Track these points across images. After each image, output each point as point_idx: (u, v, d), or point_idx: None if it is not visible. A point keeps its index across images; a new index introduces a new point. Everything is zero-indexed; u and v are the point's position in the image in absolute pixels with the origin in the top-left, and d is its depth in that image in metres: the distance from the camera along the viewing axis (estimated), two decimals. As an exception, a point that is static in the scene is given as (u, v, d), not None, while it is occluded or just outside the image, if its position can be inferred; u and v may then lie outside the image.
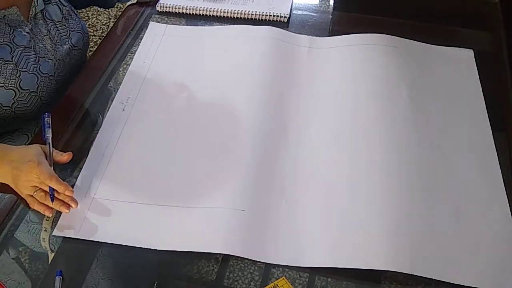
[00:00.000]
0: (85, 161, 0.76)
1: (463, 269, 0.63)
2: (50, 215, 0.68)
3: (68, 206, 0.68)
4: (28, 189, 0.68)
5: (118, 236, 0.67)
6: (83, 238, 0.67)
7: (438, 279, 0.62)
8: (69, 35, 0.92)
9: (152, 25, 1.02)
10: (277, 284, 0.63)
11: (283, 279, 0.63)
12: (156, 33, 0.99)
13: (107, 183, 0.73)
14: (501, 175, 0.74)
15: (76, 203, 0.69)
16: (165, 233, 0.67)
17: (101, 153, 0.77)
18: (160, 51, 0.95)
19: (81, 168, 0.75)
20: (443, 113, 0.83)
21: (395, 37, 0.95)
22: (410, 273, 0.62)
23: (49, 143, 0.73)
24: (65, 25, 0.92)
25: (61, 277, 0.63)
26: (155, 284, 0.63)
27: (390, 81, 0.87)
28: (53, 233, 0.67)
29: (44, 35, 0.88)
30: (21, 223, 0.70)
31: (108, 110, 0.84)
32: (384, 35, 0.95)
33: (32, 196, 0.68)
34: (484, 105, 0.84)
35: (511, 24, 1.00)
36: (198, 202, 0.71)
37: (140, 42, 0.97)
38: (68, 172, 0.75)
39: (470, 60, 0.92)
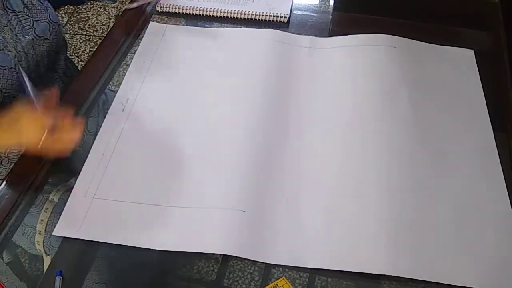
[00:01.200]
0: (85, 161, 0.76)
1: (464, 271, 0.63)
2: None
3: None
4: (32, 130, 0.67)
5: (118, 236, 0.67)
6: (83, 238, 0.67)
7: (439, 281, 0.62)
8: (32, 25, 0.87)
9: (152, 25, 1.02)
10: (277, 284, 0.63)
11: (283, 279, 0.63)
12: (156, 33, 0.99)
13: (107, 183, 0.73)
14: (502, 176, 0.74)
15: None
16: (165, 233, 0.67)
17: (101, 153, 0.77)
18: (160, 51, 0.95)
19: (81, 168, 0.75)
20: (444, 113, 0.83)
21: (396, 37, 0.95)
22: (410, 277, 0.62)
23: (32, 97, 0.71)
24: (27, 15, 0.87)
25: (61, 277, 0.63)
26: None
27: (390, 81, 0.87)
28: (53, 233, 0.67)
29: (4, 26, 0.83)
30: (19, 225, 0.70)
31: (108, 110, 0.84)
32: (385, 35, 0.95)
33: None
34: (485, 105, 0.84)
35: (511, 24, 1.00)
36: (198, 203, 0.71)
37: (140, 42, 0.97)
38: (68, 172, 0.75)
39: (470, 60, 0.92)
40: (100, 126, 0.82)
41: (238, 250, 0.65)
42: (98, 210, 0.70)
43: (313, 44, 0.96)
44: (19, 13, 0.86)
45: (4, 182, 0.74)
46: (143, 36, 0.99)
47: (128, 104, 0.85)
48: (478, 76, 0.89)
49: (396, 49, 0.93)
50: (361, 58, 0.92)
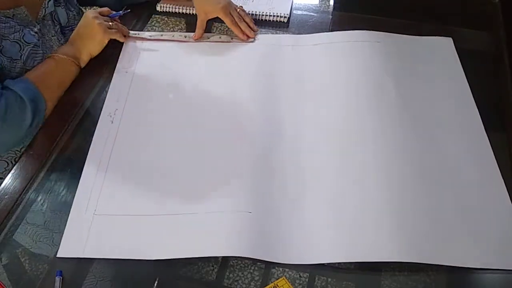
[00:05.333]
0: (79, 178, 0.74)
1: (465, 252, 0.65)
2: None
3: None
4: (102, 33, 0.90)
5: (126, 251, 0.65)
6: (89, 257, 0.65)
7: (443, 264, 0.63)
8: None
9: (129, 43, 0.97)
10: (277, 284, 0.63)
11: (283, 279, 0.63)
12: (132, 50, 0.96)
13: (106, 198, 0.71)
14: (495, 161, 0.75)
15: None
16: (173, 241, 0.66)
17: (95, 168, 0.75)
18: (141, 59, 0.93)
19: (77, 185, 0.73)
20: (431, 100, 0.84)
21: (377, 32, 0.95)
22: (416, 261, 0.63)
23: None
24: (70, 27, 0.96)
25: (61, 277, 0.63)
26: (156, 282, 0.63)
27: (377, 75, 0.87)
28: (57, 255, 0.65)
29: (52, 36, 0.92)
30: (20, 224, 0.70)
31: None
32: (366, 31, 0.95)
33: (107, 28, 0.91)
34: (468, 87, 0.86)
35: (511, 24, 1.00)
36: (204, 208, 0.70)
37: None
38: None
39: (449, 47, 0.94)
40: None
41: (248, 251, 0.64)
42: (100, 227, 0.68)
43: (296, 42, 0.96)
44: (64, 26, 0.96)
45: (6, 180, 0.74)
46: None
47: (116, 115, 0.83)
48: (459, 61, 0.90)
49: (378, 44, 0.93)
50: (346, 53, 0.92)
